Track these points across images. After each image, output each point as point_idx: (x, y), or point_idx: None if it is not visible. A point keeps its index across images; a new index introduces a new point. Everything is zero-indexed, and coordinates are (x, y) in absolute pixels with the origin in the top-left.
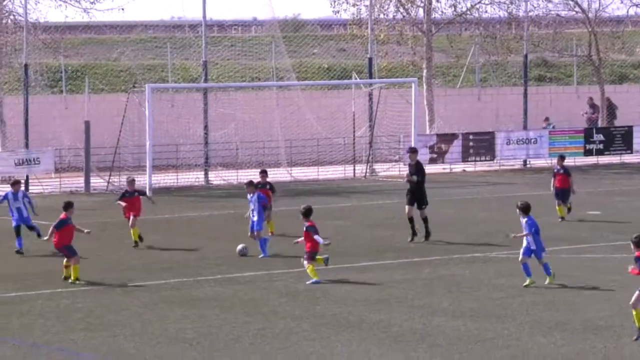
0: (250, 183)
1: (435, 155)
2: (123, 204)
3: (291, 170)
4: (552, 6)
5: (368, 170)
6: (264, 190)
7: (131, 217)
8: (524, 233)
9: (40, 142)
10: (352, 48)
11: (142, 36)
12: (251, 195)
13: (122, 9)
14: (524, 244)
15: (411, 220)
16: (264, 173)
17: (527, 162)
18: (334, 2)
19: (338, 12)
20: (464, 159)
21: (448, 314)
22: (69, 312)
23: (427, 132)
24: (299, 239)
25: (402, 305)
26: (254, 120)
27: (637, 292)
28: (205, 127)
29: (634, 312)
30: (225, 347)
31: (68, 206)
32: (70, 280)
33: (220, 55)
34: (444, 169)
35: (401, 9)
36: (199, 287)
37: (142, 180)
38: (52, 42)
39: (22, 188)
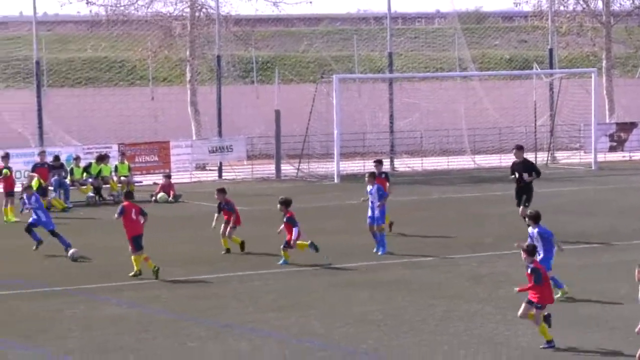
0: (372, 174)
1: (614, 144)
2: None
3: (474, 157)
4: None
5: (549, 158)
6: (380, 180)
7: (223, 226)
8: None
9: (233, 130)
10: (532, 39)
11: (330, 28)
12: (371, 187)
13: (310, 2)
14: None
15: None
16: (379, 163)
17: None
18: None
19: (519, 4)
20: None
21: (627, 299)
22: (260, 293)
23: (607, 121)
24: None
25: (581, 290)
26: (437, 110)
27: (524, 304)
28: (391, 116)
29: (540, 328)
30: (411, 328)
31: (131, 195)
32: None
33: (404, 47)
34: (623, 156)
35: (581, 1)
36: (386, 270)
37: (331, 167)
38: (243, 34)
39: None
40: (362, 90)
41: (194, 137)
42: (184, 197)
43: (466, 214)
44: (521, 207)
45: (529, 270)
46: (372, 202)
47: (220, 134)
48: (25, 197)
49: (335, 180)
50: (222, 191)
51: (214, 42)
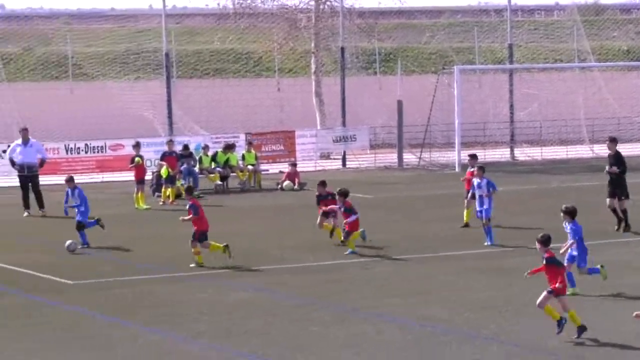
0: (481, 168)
1: None
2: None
3: (593, 147)
4: None
5: None
6: (472, 174)
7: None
8: (570, 242)
9: (356, 120)
10: None
11: (451, 20)
12: (480, 180)
13: None
14: (569, 251)
15: (614, 211)
16: (472, 157)
17: None
18: None
19: None
20: None
21: None
22: (380, 279)
23: None
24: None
25: None
26: (555, 100)
27: (544, 293)
28: (511, 106)
29: (568, 314)
30: (531, 314)
31: (191, 191)
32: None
33: (524, 38)
34: None
35: None
36: (505, 257)
37: (452, 157)
38: (367, 27)
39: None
40: (482, 81)
41: (319, 127)
42: (309, 185)
43: (584, 203)
44: (615, 199)
45: (544, 262)
46: (480, 196)
47: (344, 123)
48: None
49: (456, 169)
50: (322, 184)
51: (338, 34)
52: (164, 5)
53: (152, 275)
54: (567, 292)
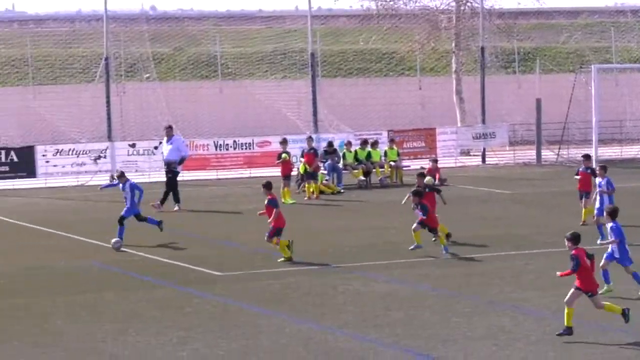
0: (603, 167)
1: None
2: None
3: None
4: None
5: None
6: (584, 175)
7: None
8: (611, 240)
9: (495, 117)
10: None
11: (588, 21)
12: (601, 180)
13: None
14: (608, 249)
15: None
16: (586, 158)
17: None
18: None
19: None
20: None
21: None
22: (521, 272)
23: None
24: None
25: None
26: None
27: (572, 290)
28: None
29: (566, 310)
30: None
31: (271, 186)
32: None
33: None
34: None
35: None
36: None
37: (589, 153)
38: (506, 27)
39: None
40: (619, 80)
41: (459, 124)
42: (449, 180)
43: None
44: None
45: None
46: (601, 195)
47: (483, 121)
48: (120, 184)
49: (594, 165)
50: (422, 175)
51: (478, 35)
52: (310, 7)
53: (298, 267)
54: (602, 290)
